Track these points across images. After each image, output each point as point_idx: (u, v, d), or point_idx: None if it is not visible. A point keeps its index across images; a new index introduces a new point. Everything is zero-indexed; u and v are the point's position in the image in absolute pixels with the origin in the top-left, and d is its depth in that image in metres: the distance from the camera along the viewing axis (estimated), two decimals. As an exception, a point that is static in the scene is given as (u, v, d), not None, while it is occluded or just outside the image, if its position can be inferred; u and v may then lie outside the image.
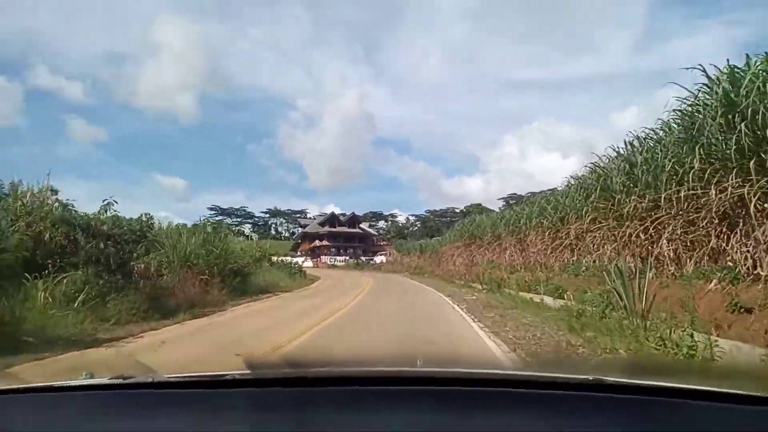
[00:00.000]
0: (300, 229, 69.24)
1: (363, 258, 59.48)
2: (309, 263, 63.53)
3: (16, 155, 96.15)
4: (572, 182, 15.77)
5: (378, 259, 55.19)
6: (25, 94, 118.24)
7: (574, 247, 13.95)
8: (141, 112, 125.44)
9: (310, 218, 69.78)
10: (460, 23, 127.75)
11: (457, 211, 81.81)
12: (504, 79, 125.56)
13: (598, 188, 12.17)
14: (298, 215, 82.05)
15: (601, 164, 13.21)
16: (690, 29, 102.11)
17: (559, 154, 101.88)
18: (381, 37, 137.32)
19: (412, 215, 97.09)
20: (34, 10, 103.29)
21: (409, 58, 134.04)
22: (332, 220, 65.32)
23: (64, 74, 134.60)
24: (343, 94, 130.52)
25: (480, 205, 68.96)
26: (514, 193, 65.59)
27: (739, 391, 1.07)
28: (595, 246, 12.03)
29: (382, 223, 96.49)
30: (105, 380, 1.34)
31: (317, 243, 63.68)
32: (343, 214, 67.05)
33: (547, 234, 16.22)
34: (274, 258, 35.89)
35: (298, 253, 70.69)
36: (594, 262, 12.03)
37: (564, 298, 10.79)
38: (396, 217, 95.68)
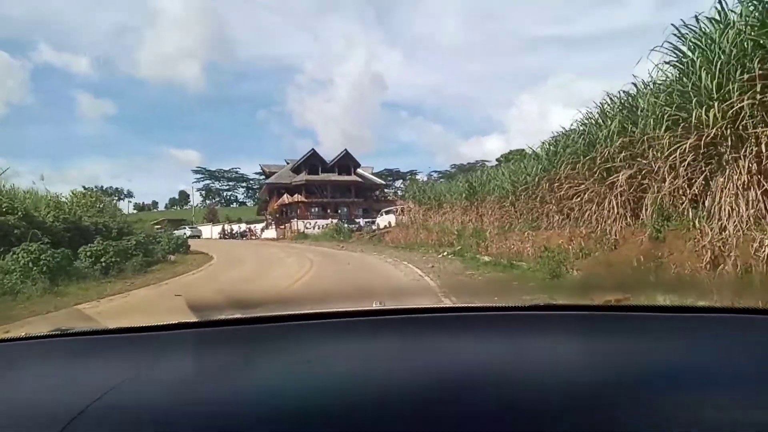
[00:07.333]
0: (265, 179, 44.92)
1: (361, 220, 36.36)
2: (271, 232, 41.03)
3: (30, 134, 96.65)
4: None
5: (383, 220, 31.70)
6: (33, 73, 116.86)
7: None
8: (147, 83, 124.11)
9: (281, 165, 45.35)
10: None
11: (489, 164, 61.28)
12: (521, 37, 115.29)
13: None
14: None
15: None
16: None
17: (582, 111, 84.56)
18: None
19: (435, 171, 77.19)
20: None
21: (423, 18, 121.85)
22: (312, 163, 40.84)
23: (69, 50, 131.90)
24: (355, 58, 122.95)
25: (522, 150, 44.49)
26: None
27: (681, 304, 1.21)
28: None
29: (399, 183, 77.07)
30: (42, 332, 1.23)
31: (286, 200, 40.17)
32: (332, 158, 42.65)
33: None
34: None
35: (266, 217, 47.94)
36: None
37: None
38: (416, 174, 75.49)
